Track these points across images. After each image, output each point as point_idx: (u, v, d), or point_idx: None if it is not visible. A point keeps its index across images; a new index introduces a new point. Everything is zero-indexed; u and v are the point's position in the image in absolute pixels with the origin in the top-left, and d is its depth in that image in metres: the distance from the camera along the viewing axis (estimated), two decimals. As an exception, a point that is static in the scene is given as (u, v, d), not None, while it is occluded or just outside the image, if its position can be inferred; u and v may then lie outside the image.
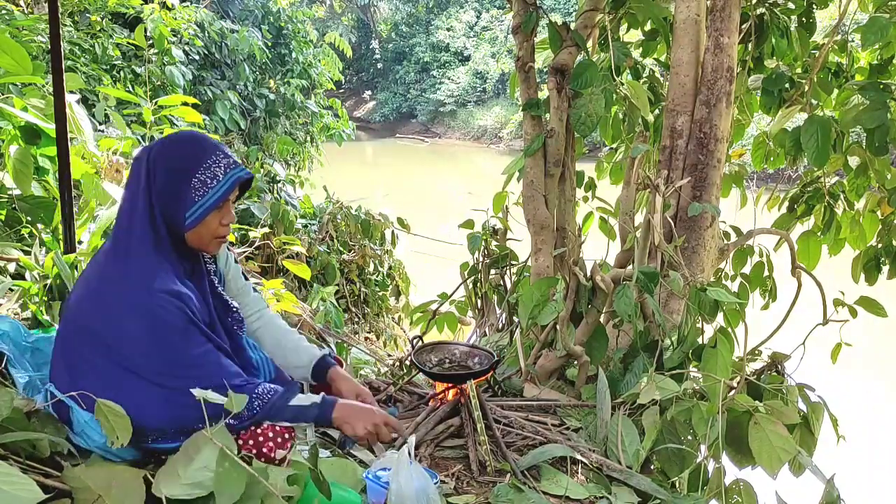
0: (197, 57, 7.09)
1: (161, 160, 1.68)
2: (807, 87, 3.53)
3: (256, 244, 4.45)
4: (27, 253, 2.75)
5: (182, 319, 1.61)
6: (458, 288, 3.91)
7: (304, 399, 1.73)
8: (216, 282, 1.87)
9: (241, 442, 1.66)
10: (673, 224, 2.90)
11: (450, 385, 2.44)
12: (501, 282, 3.75)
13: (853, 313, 2.85)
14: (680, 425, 2.33)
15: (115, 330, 1.58)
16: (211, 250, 1.79)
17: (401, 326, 5.44)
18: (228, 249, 1.99)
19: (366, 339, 4.93)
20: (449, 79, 29.16)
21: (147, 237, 1.65)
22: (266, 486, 1.40)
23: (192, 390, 1.45)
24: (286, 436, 1.71)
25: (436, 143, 28.14)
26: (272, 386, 1.70)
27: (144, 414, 1.56)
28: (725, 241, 3.27)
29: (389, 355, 4.09)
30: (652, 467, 2.44)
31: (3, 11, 4.87)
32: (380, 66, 33.03)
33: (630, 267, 2.82)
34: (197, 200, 1.67)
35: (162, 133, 3.99)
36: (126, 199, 1.71)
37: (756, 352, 2.86)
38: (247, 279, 2.04)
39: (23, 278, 2.59)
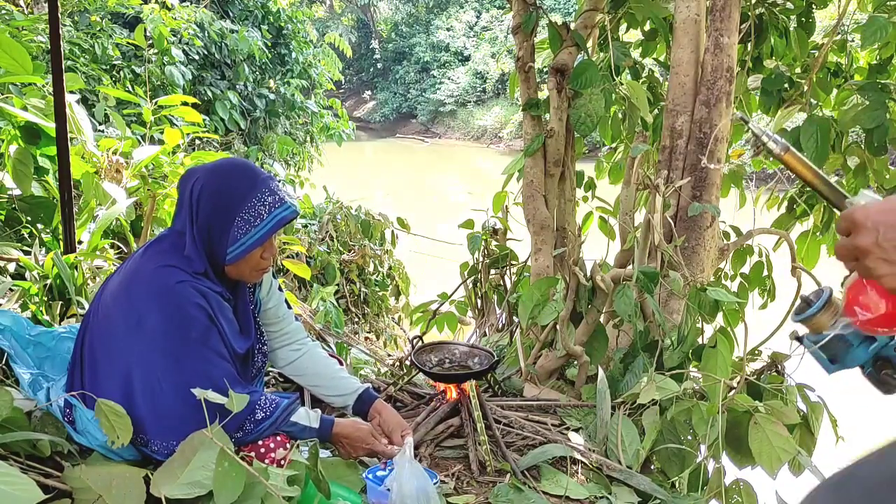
0: (197, 57, 7.09)
1: (205, 194, 1.65)
2: (806, 87, 3.54)
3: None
4: (27, 253, 2.75)
5: (204, 316, 1.61)
6: (458, 288, 3.91)
7: (303, 418, 1.74)
8: (256, 311, 1.88)
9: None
10: (673, 224, 2.90)
11: (450, 385, 2.44)
12: (501, 282, 3.75)
13: (853, 313, 2.85)
14: (680, 425, 2.34)
15: (136, 314, 1.58)
16: (250, 281, 1.79)
17: (401, 326, 5.44)
18: (274, 277, 1.98)
19: (366, 339, 4.93)
20: (449, 79, 29.17)
21: (191, 257, 1.66)
22: (266, 486, 1.40)
23: (192, 390, 1.45)
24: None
25: (436, 143, 28.14)
26: (274, 398, 1.70)
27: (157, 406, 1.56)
28: (725, 241, 3.27)
29: (389, 355, 4.09)
30: (652, 467, 2.44)
31: (3, 11, 4.87)
32: (380, 66, 33.04)
33: (630, 267, 2.82)
34: (239, 238, 1.65)
35: (162, 133, 3.99)
36: (176, 213, 1.71)
37: (756, 352, 2.86)
38: (289, 307, 2.03)
39: (23, 278, 2.59)
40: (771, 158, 0.94)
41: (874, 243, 0.76)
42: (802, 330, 0.96)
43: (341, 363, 2.11)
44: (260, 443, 1.65)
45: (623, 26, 3.77)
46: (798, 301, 0.92)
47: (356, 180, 15.44)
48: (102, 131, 4.81)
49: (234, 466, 1.39)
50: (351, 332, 4.78)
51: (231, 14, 8.15)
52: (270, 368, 2.36)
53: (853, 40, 3.71)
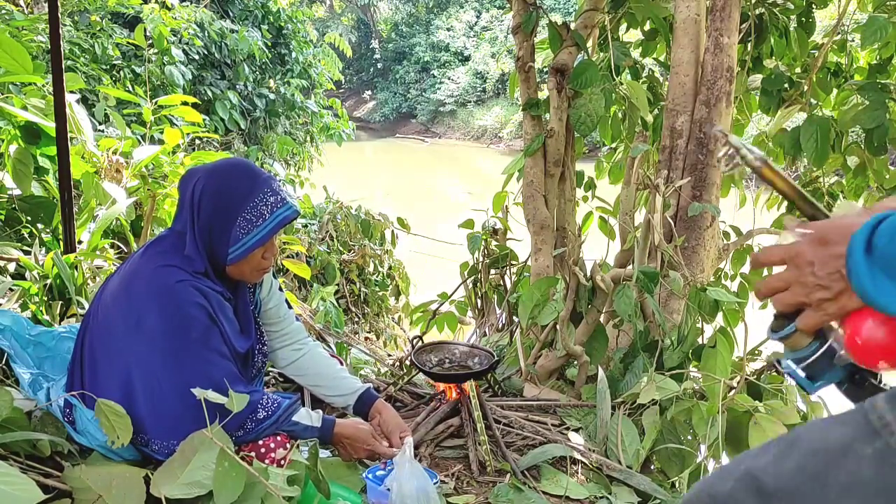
0: (197, 57, 7.09)
1: (207, 195, 1.65)
2: (806, 87, 3.54)
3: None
4: (27, 253, 2.75)
5: (205, 315, 1.61)
6: (458, 288, 3.91)
7: (304, 417, 1.74)
8: (256, 311, 1.88)
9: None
10: (673, 224, 2.90)
11: (450, 385, 2.44)
12: (501, 282, 3.75)
13: (853, 313, 2.84)
14: (680, 425, 2.34)
15: (136, 314, 1.58)
16: (251, 281, 1.79)
17: (401, 326, 5.44)
18: (274, 277, 1.98)
19: (366, 339, 4.92)
20: (449, 79, 29.16)
21: (191, 257, 1.66)
22: (266, 486, 1.40)
23: (192, 390, 1.45)
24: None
25: (436, 143, 28.14)
26: (276, 397, 1.71)
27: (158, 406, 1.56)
28: (725, 241, 3.27)
29: (389, 355, 4.09)
30: (652, 467, 2.44)
31: (3, 11, 4.87)
32: (380, 66, 33.05)
33: (630, 267, 2.82)
34: (241, 238, 1.65)
35: (162, 133, 3.99)
36: (177, 214, 1.71)
37: (756, 352, 2.86)
38: (290, 307, 2.03)
39: (23, 278, 2.59)
40: (749, 172, 0.95)
41: (811, 272, 0.82)
42: (778, 346, 0.95)
43: (341, 363, 2.11)
44: (260, 442, 1.65)
45: (623, 26, 3.77)
46: (773, 318, 0.91)
47: (356, 180, 15.44)
48: (102, 131, 4.81)
49: (234, 466, 1.39)
50: (351, 332, 4.78)
51: (231, 14, 8.15)
52: (271, 368, 2.36)
53: (853, 40, 3.72)
